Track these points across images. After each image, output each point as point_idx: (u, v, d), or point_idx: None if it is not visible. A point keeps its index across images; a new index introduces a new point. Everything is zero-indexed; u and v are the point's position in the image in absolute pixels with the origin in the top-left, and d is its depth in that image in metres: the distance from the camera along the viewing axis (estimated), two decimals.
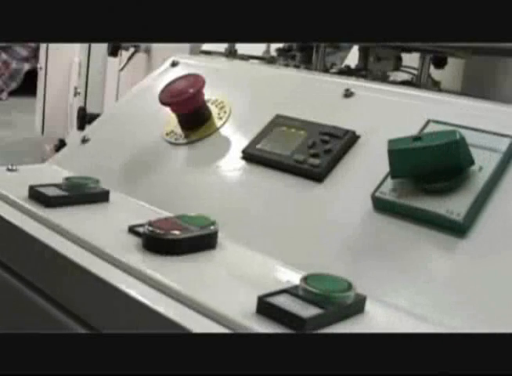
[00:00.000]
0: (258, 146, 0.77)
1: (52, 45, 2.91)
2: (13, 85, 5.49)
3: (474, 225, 0.59)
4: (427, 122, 0.69)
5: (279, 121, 0.79)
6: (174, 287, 0.55)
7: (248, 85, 0.91)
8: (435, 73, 1.43)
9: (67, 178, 0.75)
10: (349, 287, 0.52)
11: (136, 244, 0.62)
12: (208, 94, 0.86)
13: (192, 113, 0.85)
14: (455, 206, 0.59)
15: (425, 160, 0.61)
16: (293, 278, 0.56)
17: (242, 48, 1.53)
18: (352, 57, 1.54)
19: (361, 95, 0.79)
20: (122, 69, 2.08)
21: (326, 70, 1.35)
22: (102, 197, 0.75)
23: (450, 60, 1.40)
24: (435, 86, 1.40)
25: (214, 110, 0.87)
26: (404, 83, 1.32)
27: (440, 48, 1.23)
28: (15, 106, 4.82)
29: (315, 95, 0.83)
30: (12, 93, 5.42)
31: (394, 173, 0.63)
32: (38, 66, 3.12)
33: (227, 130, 0.84)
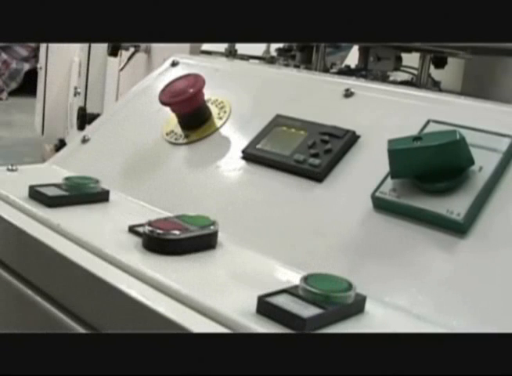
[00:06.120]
0: (258, 146, 0.77)
1: (52, 45, 2.91)
2: (13, 85, 5.49)
3: (474, 225, 0.59)
4: (427, 122, 0.69)
5: (279, 121, 0.79)
6: (174, 287, 0.55)
7: (248, 85, 0.91)
8: (435, 73, 1.43)
9: (67, 178, 0.75)
10: (349, 287, 0.52)
11: (136, 244, 0.62)
12: (208, 94, 0.86)
13: (192, 113, 0.85)
14: (455, 206, 0.59)
15: (425, 160, 0.61)
16: (293, 278, 0.56)
17: (242, 48, 1.53)
18: (352, 57, 1.54)
19: (361, 95, 0.79)
20: (122, 69, 2.08)
21: (326, 70, 1.35)
22: (102, 196, 0.75)
23: (450, 60, 1.40)
24: (435, 86, 1.41)
25: (214, 110, 0.87)
26: (404, 83, 1.32)
27: (440, 48, 1.24)
28: (15, 106, 4.82)
29: (315, 95, 0.83)
30: (12, 93, 5.42)
31: (394, 173, 0.63)
32: (38, 66, 3.12)
33: (227, 130, 0.84)
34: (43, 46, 3.04)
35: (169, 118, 0.88)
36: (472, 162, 0.61)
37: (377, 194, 0.64)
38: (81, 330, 0.60)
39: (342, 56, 1.63)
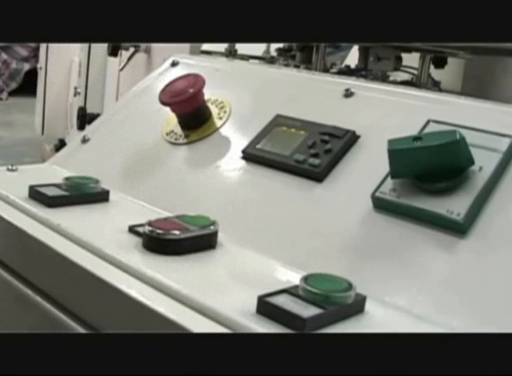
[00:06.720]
0: (258, 146, 0.77)
1: (52, 45, 2.91)
2: (13, 85, 5.49)
3: (474, 225, 0.59)
4: (427, 122, 0.69)
5: (279, 121, 0.79)
6: (174, 287, 0.55)
7: (248, 85, 0.91)
8: (435, 73, 1.43)
9: (67, 178, 0.75)
10: (349, 287, 0.52)
11: (136, 244, 0.62)
12: (208, 94, 0.86)
13: (192, 113, 0.85)
14: (455, 206, 0.59)
15: (425, 160, 0.61)
16: (293, 278, 0.56)
17: (242, 48, 1.53)
18: (352, 57, 1.54)
19: (361, 95, 0.79)
20: (122, 69, 2.08)
21: (326, 70, 1.35)
22: (102, 196, 0.75)
23: (450, 60, 1.40)
24: (435, 86, 1.41)
25: (214, 110, 0.87)
26: (404, 83, 1.32)
27: (440, 48, 1.24)
28: (15, 106, 4.82)
29: (315, 95, 0.83)
30: (12, 93, 5.42)
31: (394, 173, 0.63)
32: (38, 66, 3.12)
33: (227, 130, 0.84)
34: (43, 46, 3.04)
35: (169, 118, 0.88)
36: (472, 162, 0.61)
37: (377, 194, 0.64)
38: (81, 330, 0.60)
39: (342, 56, 1.63)
